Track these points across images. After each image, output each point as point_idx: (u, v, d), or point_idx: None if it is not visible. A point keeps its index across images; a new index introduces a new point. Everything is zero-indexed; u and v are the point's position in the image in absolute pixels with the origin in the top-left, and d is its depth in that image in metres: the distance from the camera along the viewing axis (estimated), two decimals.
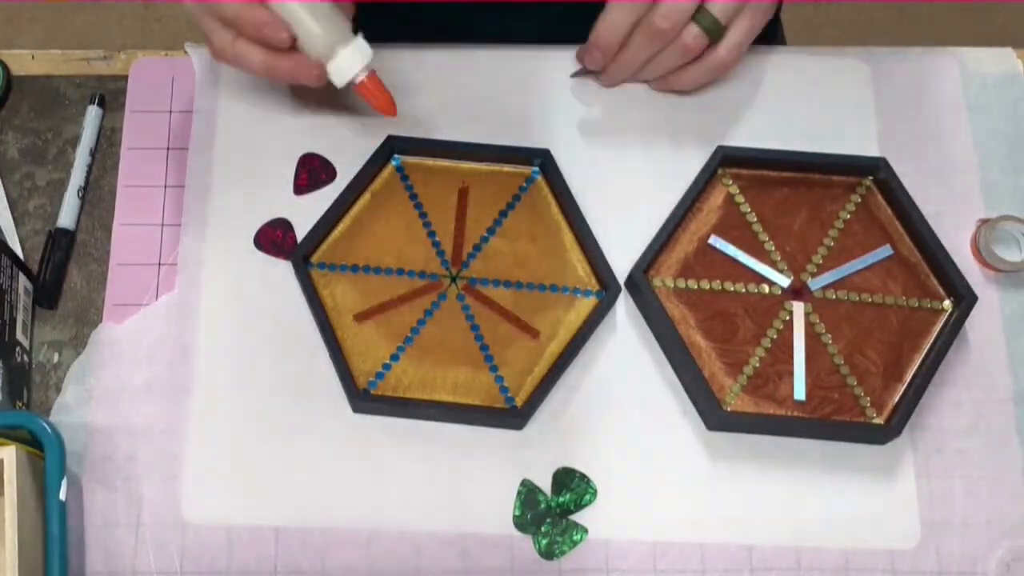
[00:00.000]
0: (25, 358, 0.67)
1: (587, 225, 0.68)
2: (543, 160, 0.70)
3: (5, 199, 0.72)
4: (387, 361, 0.66)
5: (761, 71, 0.75)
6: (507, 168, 0.71)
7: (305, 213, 0.70)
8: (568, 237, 0.69)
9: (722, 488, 0.65)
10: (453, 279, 0.68)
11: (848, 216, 0.70)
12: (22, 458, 0.59)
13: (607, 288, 0.68)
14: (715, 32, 0.67)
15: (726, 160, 0.70)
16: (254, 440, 0.66)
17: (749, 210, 0.70)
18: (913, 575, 0.64)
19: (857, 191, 0.71)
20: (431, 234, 0.70)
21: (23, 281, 0.67)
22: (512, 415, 0.65)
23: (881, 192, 0.70)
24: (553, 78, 0.74)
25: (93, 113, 0.73)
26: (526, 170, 0.71)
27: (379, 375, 0.66)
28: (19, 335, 0.66)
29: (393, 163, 0.71)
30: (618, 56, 0.70)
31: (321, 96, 0.73)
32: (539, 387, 0.65)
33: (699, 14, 0.67)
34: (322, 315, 0.66)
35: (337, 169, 0.71)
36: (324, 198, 0.70)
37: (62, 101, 0.74)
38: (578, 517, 0.64)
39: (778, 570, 0.64)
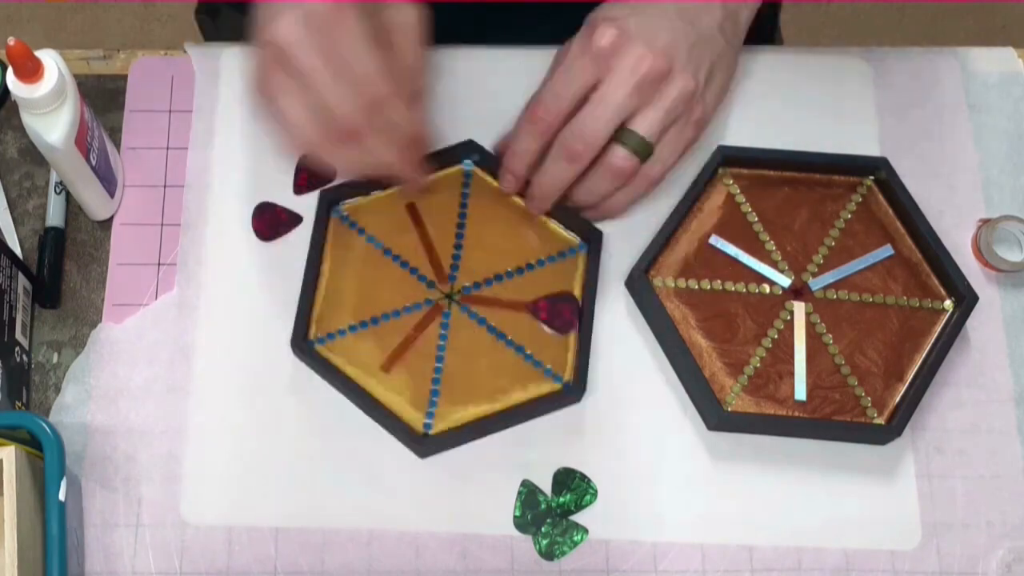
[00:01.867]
0: (24, 358, 0.67)
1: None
2: (467, 151, 0.70)
3: (4, 199, 0.72)
4: (430, 397, 0.65)
5: (761, 71, 0.75)
6: (442, 174, 0.70)
7: (305, 213, 0.70)
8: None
9: (722, 488, 0.65)
10: (448, 296, 0.68)
11: (849, 216, 0.70)
12: (22, 458, 0.59)
13: (588, 237, 0.68)
14: (644, 151, 0.62)
15: (727, 160, 0.70)
16: (254, 440, 0.66)
17: (750, 210, 0.70)
18: (914, 575, 0.64)
19: (858, 191, 0.71)
20: (404, 264, 0.68)
21: (22, 281, 0.67)
22: (568, 392, 0.65)
23: (882, 192, 0.70)
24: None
25: None
26: (458, 168, 0.70)
27: (429, 415, 0.65)
28: (18, 335, 0.66)
29: (334, 215, 0.69)
30: (535, 179, 0.66)
31: None
32: (579, 357, 0.65)
33: (623, 134, 0.62)
34: (349, 383, 0.65)
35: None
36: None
37: None
38: (578, 518, 0.64)
39: (779, 571, 0.64)
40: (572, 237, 0.69)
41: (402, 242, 0.69)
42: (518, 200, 0.69)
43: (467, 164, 0.71)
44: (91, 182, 0.67)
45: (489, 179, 0.70)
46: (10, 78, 0.60)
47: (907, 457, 0.66)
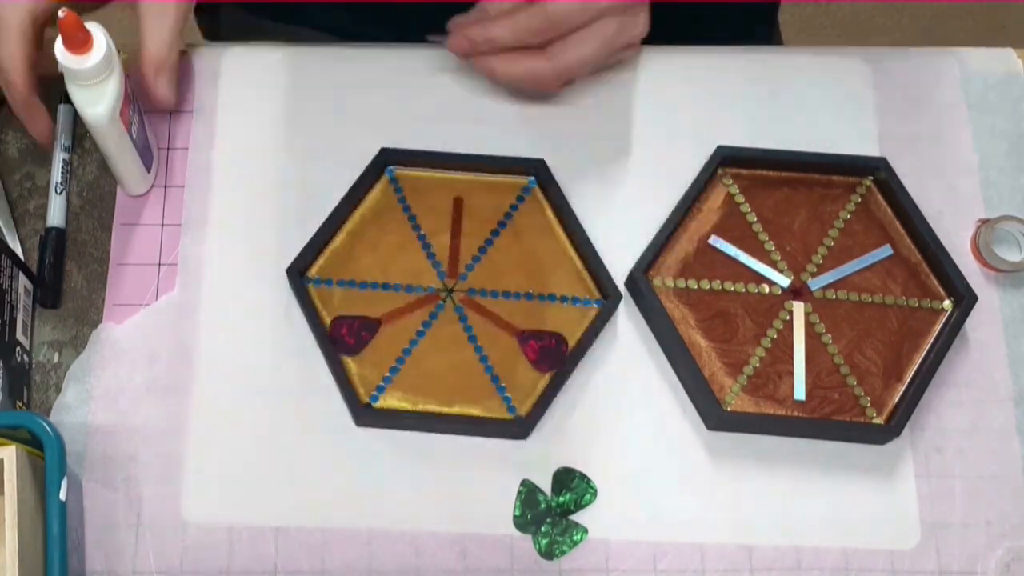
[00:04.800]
0: (25, 358, 0.67)
1: (585, 235, 0.68)
2: (537, 170, 0.70)
3: (5, 199, 0.72)
4: (387, 375, 0.66)
5: (761, 71, 0.75)
6: (503, 179, 0.71)
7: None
8: (567, 247, 0.69)
9: (722, 488, 0.65)
10: (450, 292, 0.68)
11: (848, 216, 0.70)
12: (22, 458, 0.59)
13: (607, 296, 0.67)
14: None
15: (726, 160, 0.70)
16: (254, 440, 0.66)
17: (749, 210, 0.70)
18: (913, 575, 0.64)
19: (857, 191, 0.71)
20: (426, 246, 0.69)
21: (23, 281, 0.67)
22: (516, 425, 0.65)
23: (881, 192, 0.70)
24: None
25: (63, 111, 0.73)
26: (522, 180, 0.71)
27: (379, 388, 0.66)
28: (19, 335, 0.66)
29: (387, 175, 0.71)
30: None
31: (320, 99, 0.73)
32: (542, 396, 0.65)
33: None
34: (320, 329, 0.66)
35: (332, 173, 0.71)
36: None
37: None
38: (578, 517, 0.65)
39: (778, 570, 0.64)
40: (595, 290, 0.68)
41: (435, 226, 0.70)
42: (561, 235, 0.69)
43: (531, 181, 0.71)
44: (131, 156, 0.67)
45: (544, 202, 0.70)
46: (59, 50, 0.60)
47: (906, 457, 0.66)
